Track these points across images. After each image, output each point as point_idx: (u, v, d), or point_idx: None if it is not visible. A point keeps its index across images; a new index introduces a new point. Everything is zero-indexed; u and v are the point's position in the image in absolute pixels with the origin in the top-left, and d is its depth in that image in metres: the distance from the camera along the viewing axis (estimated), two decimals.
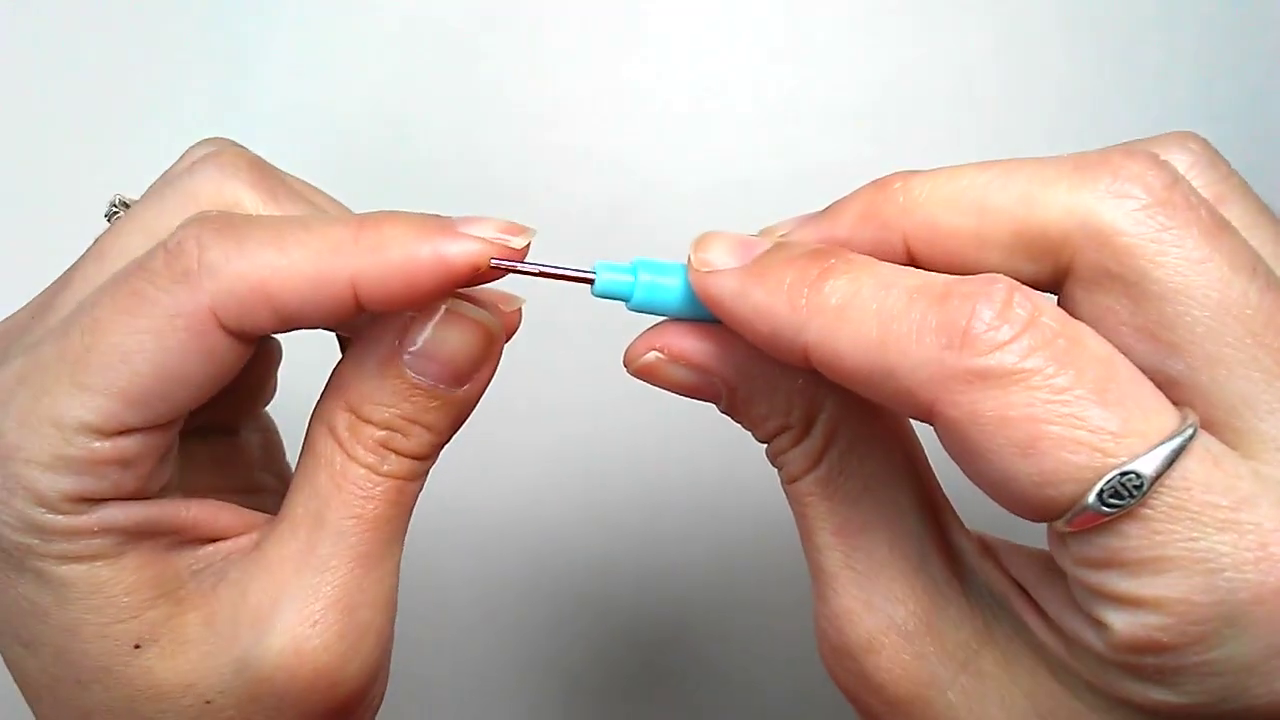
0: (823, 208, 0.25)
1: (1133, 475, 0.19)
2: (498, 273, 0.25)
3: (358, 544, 0.27)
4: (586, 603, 0.57)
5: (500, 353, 0.28)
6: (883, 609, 0.26)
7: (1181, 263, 0.21)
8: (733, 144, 0.54)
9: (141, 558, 0.26)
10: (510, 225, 0.26)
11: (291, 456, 0.32)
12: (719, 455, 0.54)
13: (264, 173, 0.28)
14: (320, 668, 0.26)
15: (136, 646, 0.25)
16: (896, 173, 0.24)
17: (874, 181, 0.24)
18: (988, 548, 0.27)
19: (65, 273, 0.28)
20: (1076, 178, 0.22)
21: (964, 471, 0.22)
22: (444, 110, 0.52)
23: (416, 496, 0.28)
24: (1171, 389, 0.21)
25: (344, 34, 0.52)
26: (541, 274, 0.26)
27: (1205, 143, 0.25)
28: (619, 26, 0.53)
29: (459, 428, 0.28)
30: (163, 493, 0.27)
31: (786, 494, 0.27)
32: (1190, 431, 0.20)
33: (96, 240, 0.28)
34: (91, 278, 0.26)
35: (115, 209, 0.30)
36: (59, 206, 0.51)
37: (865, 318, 0.21)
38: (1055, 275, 0.22)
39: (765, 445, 0.27)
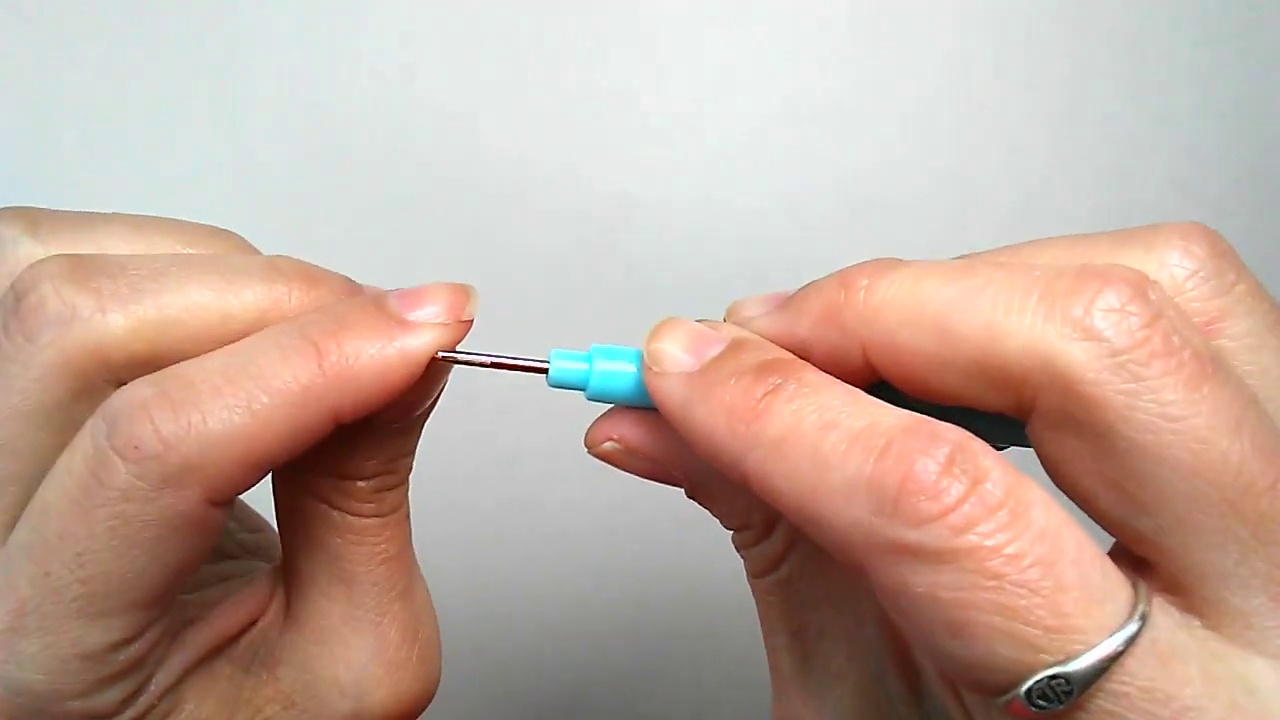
0: (792, 292, 0.24)
1: (1062, 680, 0.18)
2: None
3: (395, 583, 0.27)
4: (588, 608, 0.57)
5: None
6: None
7: (1154, 419, 0.18)
8: (733, 144, 0.54)
9: (198, 692, 0.26)
10: (455, 295, 0.24)
11: None
12: None
13: (92, 284, 0.23)
14: (418, 695, 0.28)
15: None
16: (865, 267, 0.22)
17: (841, 276, 0.22)
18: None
19: None
20: (1043, 308, 0.19)
21: (900, 628, 0.20)
22: (444, 110, 0.52)
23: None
24: (1138, 543, 0.20)
25: (344, 34, 0.52)
26: (494, 364, 0.25)
27: (1213, 242, 0.22)
28: (620, 27, 0.53)
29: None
30: None
31: (750, 586, 0.27)
32: (1135, 628, 0.18)
33: None
34: None
35: None
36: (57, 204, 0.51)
37: (801, 458, 0.20)
38: (1019, 408, 0.20)
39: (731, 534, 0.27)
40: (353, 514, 0.26)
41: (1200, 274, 0.21)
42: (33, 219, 0.25)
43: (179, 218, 0.26)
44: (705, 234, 0.55)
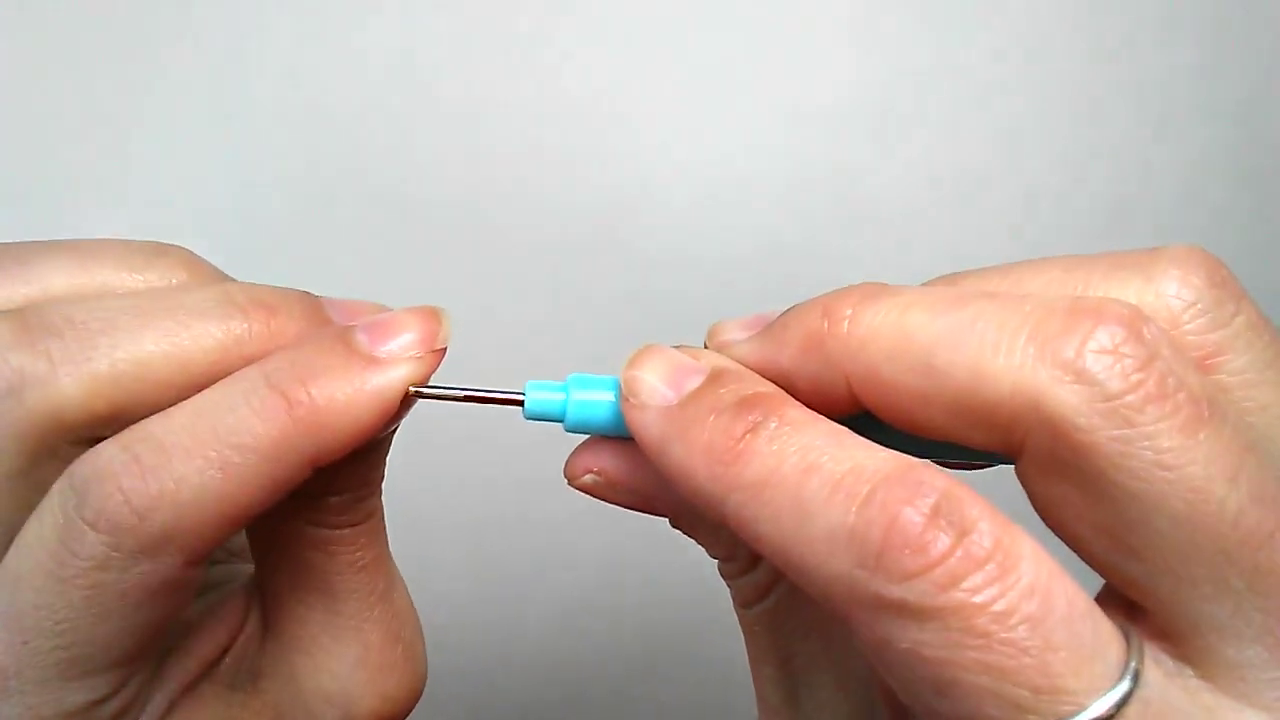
0: (774, 316, 0.23)
1: None
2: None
3: (374, 588, 0.27)
4: (590, 608, 0.57)
5: None
6: None
7: (1147, 467, 0.18)
8: (732, 144, 0.54)
9: (185, 719, 0.26)
10: (426, 323, 0.24)
11: None
12: None
13: (40, 346, 0.22)
14: (405, 696, 0.28)
15: None
16: (850, 294, 0.21)
17: (825, 303, 0.21)
18: None
19: None
20: (1033, 347, 0.19)
21: (885, 680, 0.20)
22: (444, 110, 0.52)
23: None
24: (1130, 588, 0.19)
25: (343, 32, 0.52)
26: (468, 398, 0.24)
27: (1212, 271, 0.21)
28: (619, 26, 0.53)
29: None
30: None
31: (737, 615, 0.26)
32: (1126, 688, 0.17)
33: None
34: None
35: None
36: (57, 204, 0.51)
37: (782, 504, 0.19)
38: (1008, 449, 0.20)
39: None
40: (327, 526, 0.26)
41: (1198, 305, 0.21)
42: None
43: (124, 238, 0.25)
44: (706, 235, 0.55)
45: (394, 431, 0.26)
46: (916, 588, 0.17)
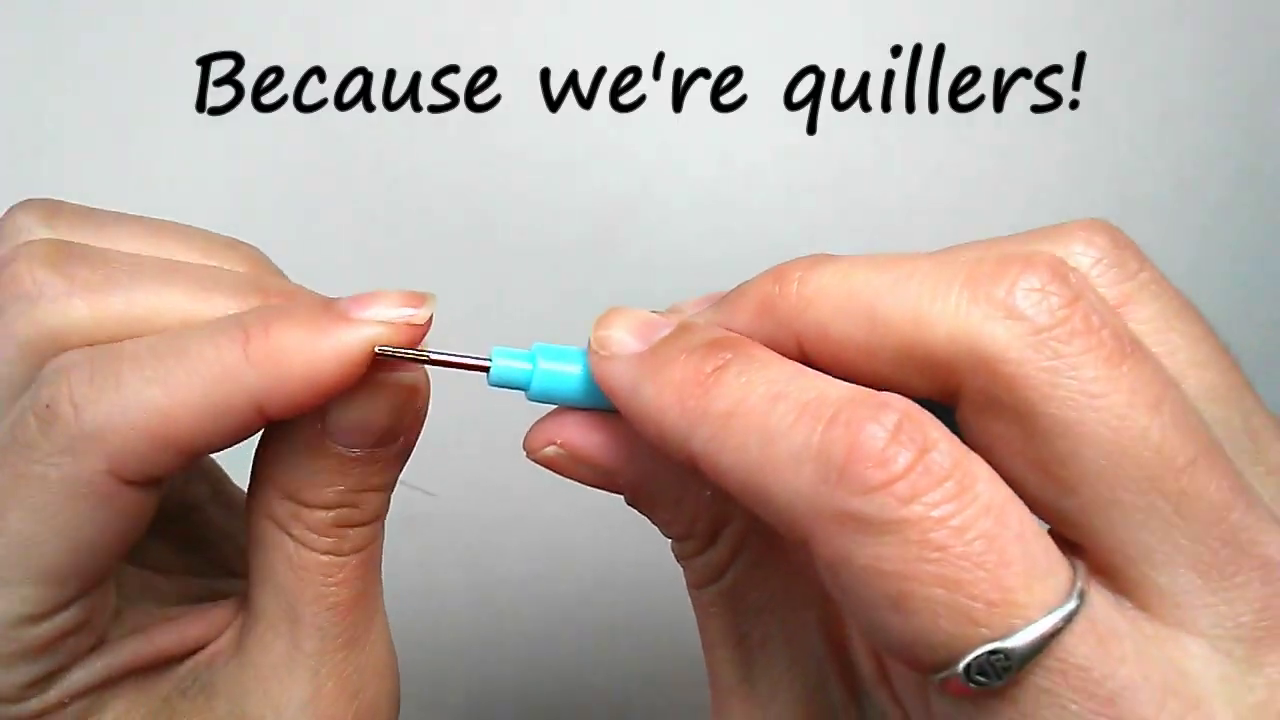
0: (728, 291, 0.24)
1: (1001, 656, 0.18)
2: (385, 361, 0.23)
3: (341, 631, 0.26)
4: (588, 602, 0.57)
5: (427, 392, 0.26)
6: None
7: (1075, 396, 0.19)
8: (732, 144, 0.54)
9: (124, 703, 0.25)
10: (407, 297, 0.24)
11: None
12: None
13: (67, 269, 0.23)
14: None
15: None
16: (799, 261, 0.22)
17: (775, 270, 0.22)
18: (884, 671, 0.25)
19: None
20: (967, 292, 0.20)
21: (840, 605, 0.21)
22: (444, 110, 0.52)
23: (381, 547, 0.27)
24: (1067, 525, 0.20)
25: (341, 31, 0.52)
26: (431, 362, 0.24)
27: (1114, 234, 0.23)
28: (619, 26, 0.53)
29: (404, 466, 0.27)
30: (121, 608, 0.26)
31: (690, 596, 0.26)
32: (1074, 605, 0.18)
33: None
34: None
35: None
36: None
37: (748, 431, 0.20)
38: (947, 393, 0.21)
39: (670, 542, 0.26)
40: (308, 547, 0.25)
41: (1104, 261, 0.22)
42: (52, 210, 0.25)
43: (204, 227, 0.26)
44: (706, 236, 0.55)
45: (396, 454, 0.26)
46: (877, 500, 0.18)
